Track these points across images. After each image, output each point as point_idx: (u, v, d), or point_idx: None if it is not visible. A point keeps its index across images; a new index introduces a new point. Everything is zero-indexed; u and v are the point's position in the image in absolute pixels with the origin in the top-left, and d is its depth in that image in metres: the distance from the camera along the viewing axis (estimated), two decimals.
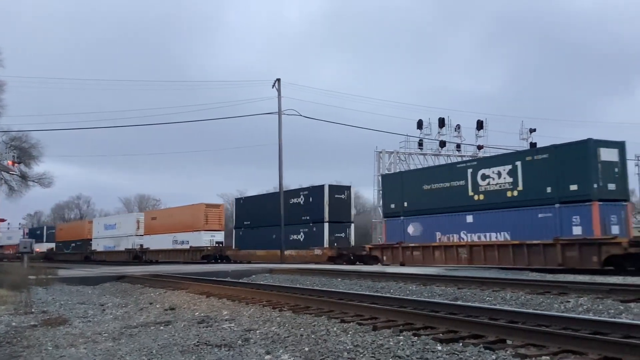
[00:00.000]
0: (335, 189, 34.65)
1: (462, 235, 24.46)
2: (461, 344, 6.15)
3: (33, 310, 11.03)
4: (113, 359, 6.35)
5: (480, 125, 46.49)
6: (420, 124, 45.53)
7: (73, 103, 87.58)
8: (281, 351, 6.32)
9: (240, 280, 17.78)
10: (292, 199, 36.18)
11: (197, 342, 6.99)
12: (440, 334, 6.75)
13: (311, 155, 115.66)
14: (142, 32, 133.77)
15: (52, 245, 69.04)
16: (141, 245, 48.78)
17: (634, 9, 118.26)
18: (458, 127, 46.21)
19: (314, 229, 34.01)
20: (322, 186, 34.75)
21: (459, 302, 10.06)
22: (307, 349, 6.36)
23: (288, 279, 18.66)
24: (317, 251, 32.21)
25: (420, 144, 45.34)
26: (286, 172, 38.15)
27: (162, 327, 8.41)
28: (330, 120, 63.28)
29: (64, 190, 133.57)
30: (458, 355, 5.68)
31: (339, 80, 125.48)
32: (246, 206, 41.81)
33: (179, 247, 43.52)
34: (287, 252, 34.05)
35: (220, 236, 42.52)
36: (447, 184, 25.36)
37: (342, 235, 33.81)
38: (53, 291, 15.17)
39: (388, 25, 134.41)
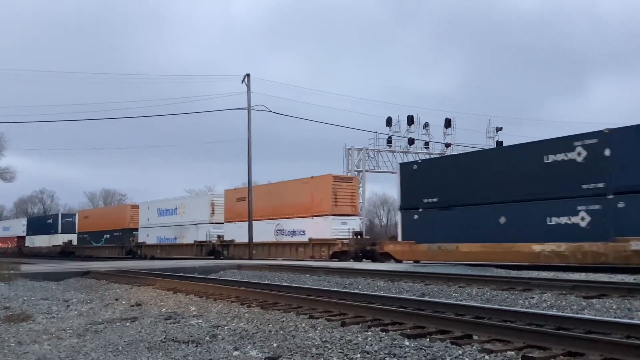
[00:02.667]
0: None
1: None
2: (428, 340, 6.21)
3: None
4: (78, 356, 6.24)
5: (448, 123, 47.06)
6: (389, 121, 45.88)
7: (34, 96, 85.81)
8: (249, 347, 6.30)
9: (208, 276, 17.66)
10: (549, 155, 19.58)
11: (164, 338, 6.91)
12: (408, 330, 6.81)
13: (274, 151, 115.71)
14: (95, 25, 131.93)
15: (72, 237, 56.57)
16: (219, 237, 36.44)
17: (580, 9, 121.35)
18: (426, 124, 46.67)
19: (618, 205, 17.93)
20: (636, 127, 17.88)
21: (426, 298, 10.16)
22: (275, 344, 6.35)
23: (256, 274, 18.62)
24: (637, 245, 17.27)
25: (389, 141, 45.68)
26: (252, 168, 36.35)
27: (128, 324, 8.31)
28: (295, 116, 62.55)
29: (27, 185, 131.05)
30: (425, 350, 5.73)
31: (293, 77, 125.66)
32: (428, 174, 24.18)
33: (287, 239, 31.59)
34: (538, 247, 19.16)
35: (355, 224, 30.77)
36: None
37: None
38: (16, 287, 14.83)
39: (339, 24, 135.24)
